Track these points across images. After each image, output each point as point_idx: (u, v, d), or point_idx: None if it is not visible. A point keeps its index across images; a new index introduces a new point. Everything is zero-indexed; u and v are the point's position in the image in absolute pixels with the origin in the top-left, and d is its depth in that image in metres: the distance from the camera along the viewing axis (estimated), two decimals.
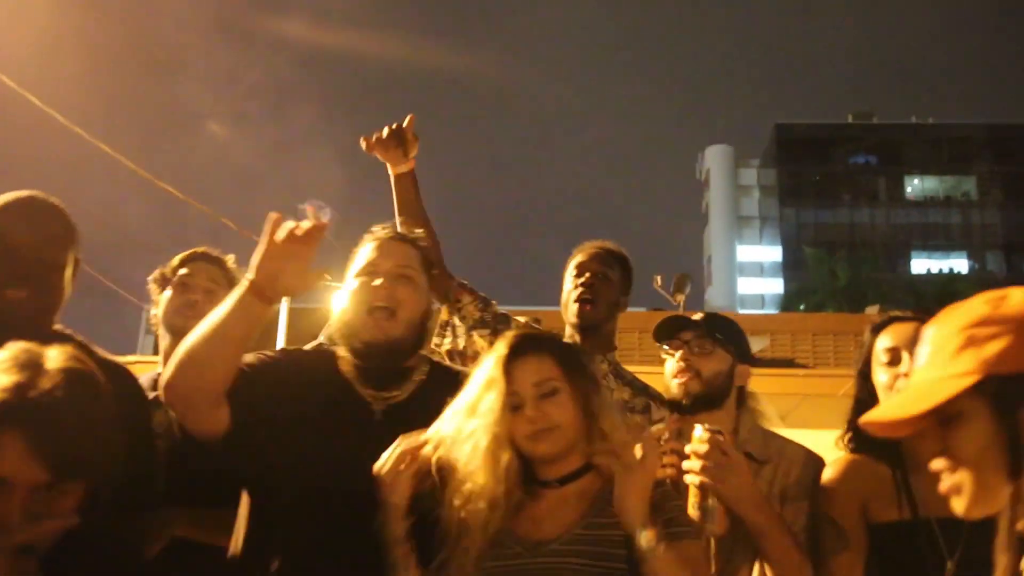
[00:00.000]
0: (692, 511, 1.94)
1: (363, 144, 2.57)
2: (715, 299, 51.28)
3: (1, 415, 1.37)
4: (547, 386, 1.81)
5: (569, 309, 2.75)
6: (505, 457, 1.77)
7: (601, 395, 1.90)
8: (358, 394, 2.01)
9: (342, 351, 2.06)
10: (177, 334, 2.51)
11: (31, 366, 1.44)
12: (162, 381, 1.85)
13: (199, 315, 2.37)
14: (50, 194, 2.15)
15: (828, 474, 2.23)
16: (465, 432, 1.80)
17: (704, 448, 1.97)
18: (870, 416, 1.26)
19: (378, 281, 2.00)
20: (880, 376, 2.21)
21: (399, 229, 2.17)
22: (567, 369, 1.84)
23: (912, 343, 1.96)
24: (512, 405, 1.79)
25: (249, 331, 1.82)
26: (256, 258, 1.78)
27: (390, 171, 2.67)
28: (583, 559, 1.70)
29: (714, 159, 60.28)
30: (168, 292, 2.67)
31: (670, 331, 2.31)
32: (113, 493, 1.55)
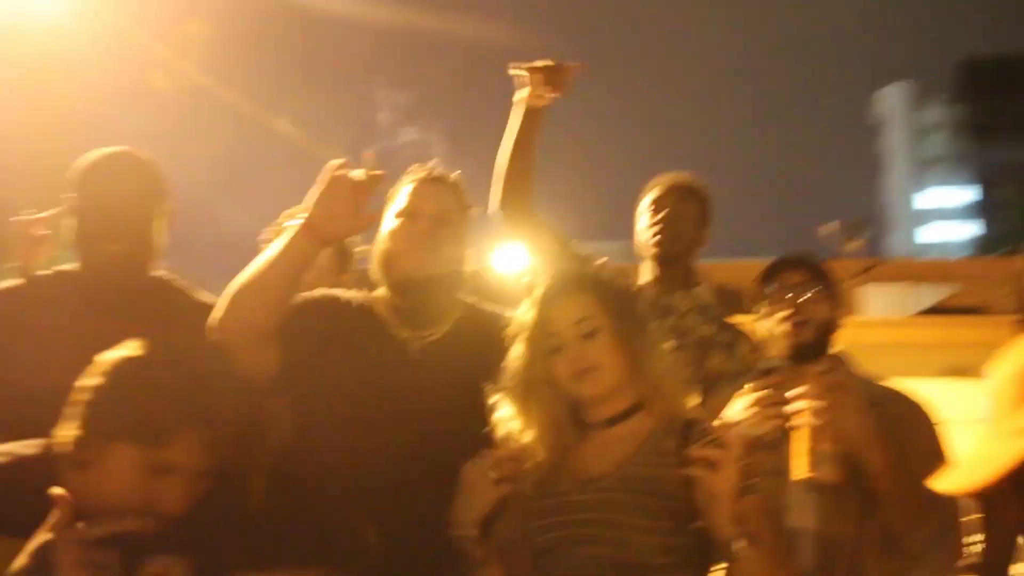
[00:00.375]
0: (800, 458, 1.83)
1: (518, 68, 2.45)
2: (895, 247, 48.50)
3: (182, 412, 1.46)
4: (587, 326, 1.76)
5: (646, 245, 2.67)
6: (547, 398, 1.76)
7: (648, 335, 1.86)
8: (394, 334, 2.03)
9: (379, 291, 2.07)
10: None
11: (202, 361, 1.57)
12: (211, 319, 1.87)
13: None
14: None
15: None
16: (507, 377, 1.80)
17: (818, 388, 1.84)
18: (941, 486, 1.10)
19: (421, 225, 2.02)
20: None
21: (435, 172, 2.13)
22: (609, 308, 1.81)
23: None
24: (552, 347, 1.77)
25: (299, 270, 1.83)
26: (311, 199, 1.79)
27: (522, 100, 2.51)
28: (632, 495, 1.68)
29: (891, 99, 56.75)
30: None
31: (775, 273, 2.16)
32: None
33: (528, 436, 1.76)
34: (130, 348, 1.55)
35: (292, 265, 1.81)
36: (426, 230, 2.02)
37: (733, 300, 2.87)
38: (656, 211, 2.66)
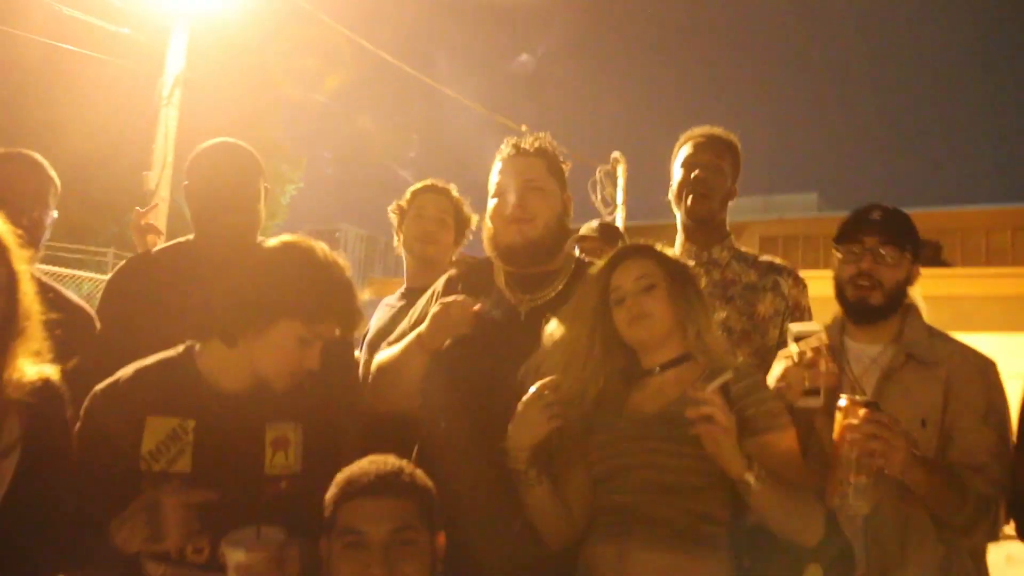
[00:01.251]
0: (836, 485, 1.91)
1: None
2: None
3: (337, 299, 1.96)
4: (645, 281, 2.03)
5: (682, 204, 2.73)
6: (601, 344, 2.03)
7: (701, 300, 2.08)
8: (508, 300, 2.29)
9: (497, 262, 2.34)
10: (418, 258, 3.10)
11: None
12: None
13: (433, 241, 3.05)
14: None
15: None
16: (566, 329, 2.07)
17: (865, 426, 1.88)
18: None
19: (510, 198, 2.25)
20: None
21: (520, 146, 2.33)
22: (666, 269, 2.05)
23: None
24: (615, 300, 2.03)
25: (419, 372, 2.25)
26: (430, 330, 2.22)
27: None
28: (674, 430, 1.92)
29: None
30: (406, 222, 3.15)
31: (852, 233, 2.21)
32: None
33: (579, 380, 2.02)
34: (289, 245, 1.96)
35: (414, 370, 2.25)
36: (516, 202, 2.24)
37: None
38: (688, 171, 2.71)
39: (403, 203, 3.18)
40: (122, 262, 2.69)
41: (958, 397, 2.08)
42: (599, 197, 15.29)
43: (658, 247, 2.13)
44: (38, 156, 2.55)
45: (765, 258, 2.71)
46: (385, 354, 2.33)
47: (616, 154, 15.60)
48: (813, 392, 2.06)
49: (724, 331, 2.49)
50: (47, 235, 2.54)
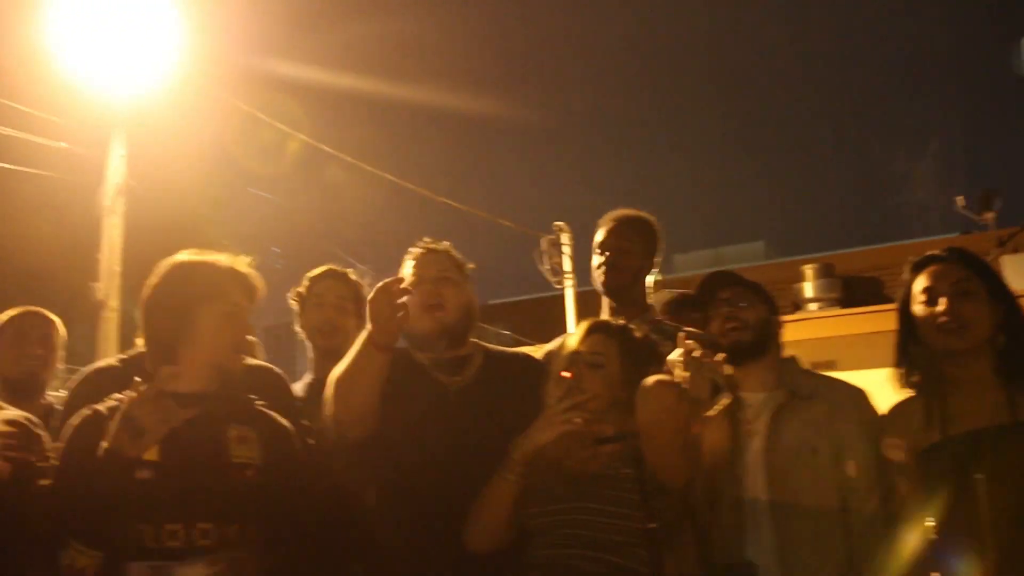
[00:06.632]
0: None
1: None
2: None
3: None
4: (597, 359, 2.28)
5: (598, 283, 3.02)
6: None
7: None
8: (435, 379, 2.48)
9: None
10: (321, 349, 3.05)
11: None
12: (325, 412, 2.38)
13: (335, 332, 3.04)
14: None
15: (884, 416, 2.34)
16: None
17: None
18: None
19: (427, 287, 2.46)
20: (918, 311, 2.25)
21: (429, 245, 2.60)
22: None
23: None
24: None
25: (378, 374, 2.29)
26: (374, 325, 2.24)
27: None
28: (599, 491, 2.14)
29: None
30: (305, 311, 3.14)
31: (707, 299, 2.51)
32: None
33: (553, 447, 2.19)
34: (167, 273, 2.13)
35: (371, 372, 2.28)
36: (431, 291, 2.47)
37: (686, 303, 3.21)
38: (601, 253, 3.01)
39: (302, 290, 3.16)
40: (82, 372, 2.63)
41: (841, 427, 2.34)
42: (548, 267, 15.49)
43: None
44: (47, 312, 3.22)
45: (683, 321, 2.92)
46: (338, 367, 2.37)
47: (559, 223, 15.87)
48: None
49: None
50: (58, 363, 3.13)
